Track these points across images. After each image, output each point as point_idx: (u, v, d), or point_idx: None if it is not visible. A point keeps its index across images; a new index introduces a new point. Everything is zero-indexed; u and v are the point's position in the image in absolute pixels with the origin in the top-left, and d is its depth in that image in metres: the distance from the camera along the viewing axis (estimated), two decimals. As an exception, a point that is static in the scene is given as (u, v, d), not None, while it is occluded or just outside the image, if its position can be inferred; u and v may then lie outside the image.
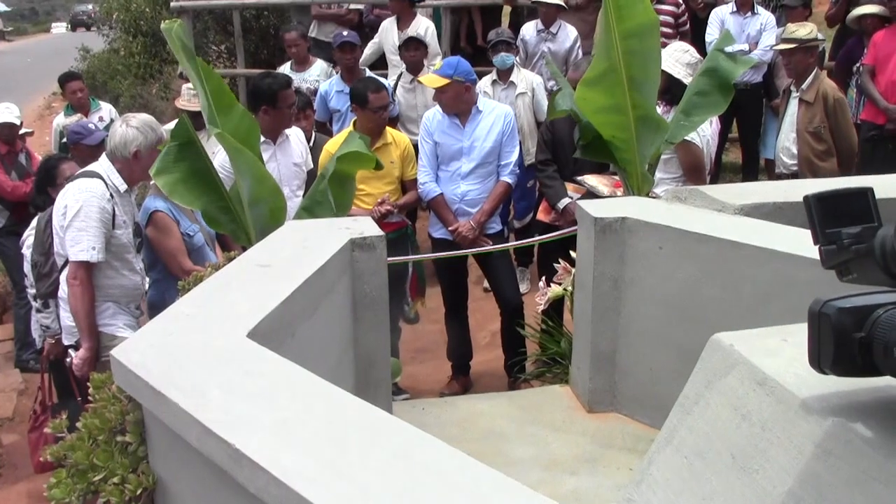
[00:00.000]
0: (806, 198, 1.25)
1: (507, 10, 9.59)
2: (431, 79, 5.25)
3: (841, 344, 1.18)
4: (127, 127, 4.25)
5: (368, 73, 7.28)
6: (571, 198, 5.19)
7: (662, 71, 4.48)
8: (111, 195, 4.19)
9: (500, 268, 5.50)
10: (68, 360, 4.35)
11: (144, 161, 4.21)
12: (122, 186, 4.26)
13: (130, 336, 3.92)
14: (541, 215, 5.66)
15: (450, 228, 5.26)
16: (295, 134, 5.34)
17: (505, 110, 5.46)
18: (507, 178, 5.32)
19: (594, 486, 3.05)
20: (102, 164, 4.28)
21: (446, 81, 5.11)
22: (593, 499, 2.92)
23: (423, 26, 7.68)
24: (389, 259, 3.36)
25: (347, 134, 4.91)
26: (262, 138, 4.85)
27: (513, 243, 5.73)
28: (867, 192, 1.26)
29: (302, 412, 1.82)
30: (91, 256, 4.09)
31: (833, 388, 1.30)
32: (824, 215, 1.24)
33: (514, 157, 5.34)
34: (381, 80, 6.13)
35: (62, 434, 2.40)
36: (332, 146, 4.99)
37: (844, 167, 5.76)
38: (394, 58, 7.84)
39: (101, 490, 2.16)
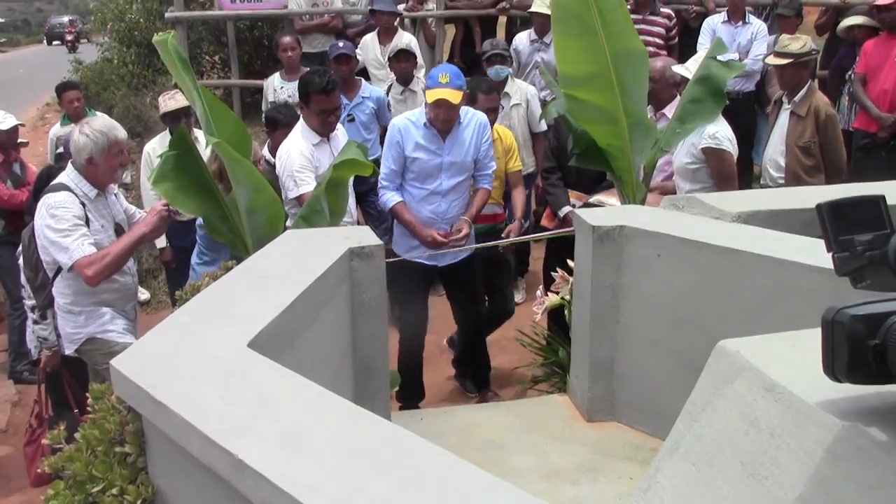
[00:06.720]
0: (819, 206, 1.25)
1: (502, 20, 9.59)
2: (453, 94, 4.61)
3: (855, 351, 1.18)
4: (79, 135, 4.19)
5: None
6: (573, 206, 5.19)
7: None
8: (82, 203, 4.13)
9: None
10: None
11: (101, 166, 4.17)
12: (92, 192, 4.21)
13: (129, 341, 3.93)
14: (544, 221, 5.66)
15: (439, 236, 4.82)
16: (342, 131, 5.11)
17: (479, 118, 4.97)
18: (486, 186, 5.02)
19: (595, 496, 3.04)
20: (69, 174, 4.22)
21: (462, 95, 4.71)
22: (594, 508, 2.90)
23: (405, 39, 7.69)
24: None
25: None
26: (318, 138, 4.77)
27: (509, 239, 5.61)
28: (879, 200, 1.26)
29: (305, 422, 1.80)
30: (83, 252, 4.00)
31: (842, 393, 1.30)
32: (837, 223, 1.24)
33: (494, 166, 5.05)
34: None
35: (60, 445, 2.38)
36: None
37: (831, 184, 5.68)
38: (378, 72, 7.85)
39: (100, 502, 2.14)
